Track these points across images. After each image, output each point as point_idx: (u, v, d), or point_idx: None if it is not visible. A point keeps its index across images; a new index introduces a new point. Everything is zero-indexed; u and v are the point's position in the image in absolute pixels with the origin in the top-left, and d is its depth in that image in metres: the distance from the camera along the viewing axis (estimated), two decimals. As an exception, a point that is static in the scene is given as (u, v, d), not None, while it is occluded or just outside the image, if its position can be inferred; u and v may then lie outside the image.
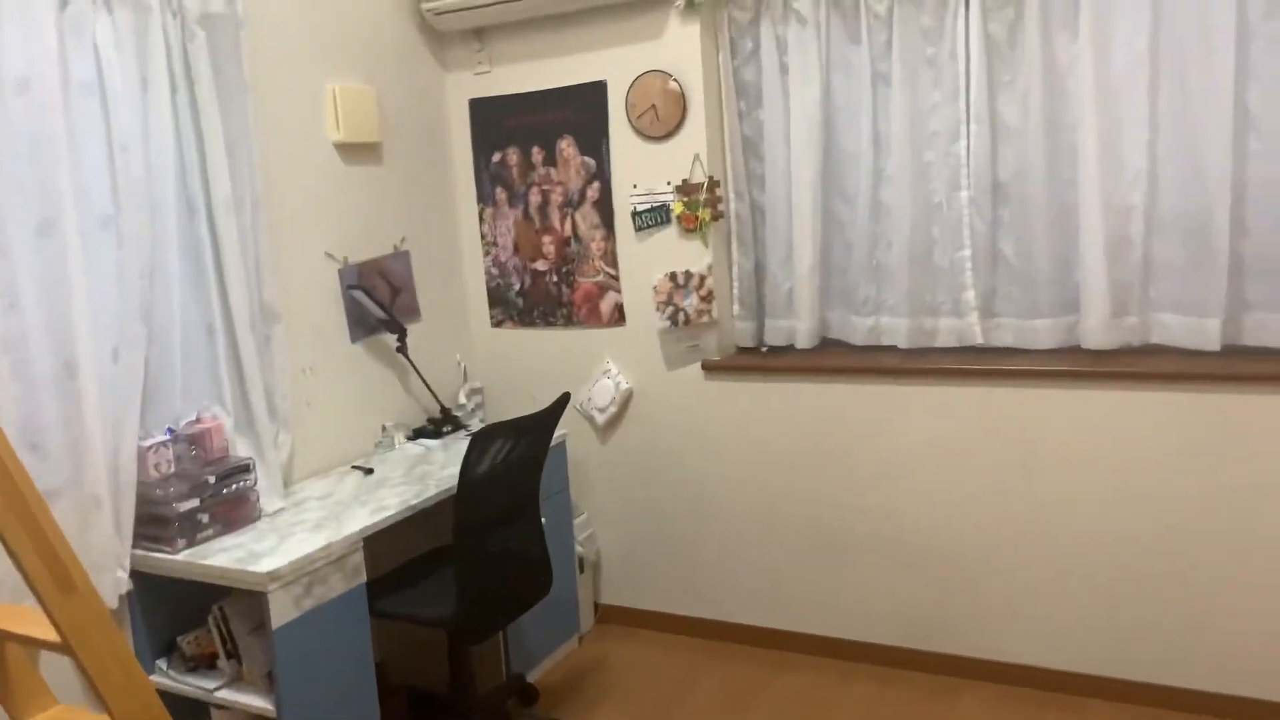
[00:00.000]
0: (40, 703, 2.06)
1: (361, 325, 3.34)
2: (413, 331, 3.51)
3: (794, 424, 3.30)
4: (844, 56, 3.18)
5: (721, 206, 3.35)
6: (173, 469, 2.56)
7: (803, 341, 3.31)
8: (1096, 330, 2.87)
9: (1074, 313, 2.96)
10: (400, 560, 3.06)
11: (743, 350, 3.49)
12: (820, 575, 3.35)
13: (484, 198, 3.75)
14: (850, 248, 3.27)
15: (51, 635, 1.81)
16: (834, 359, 3.24)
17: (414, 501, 2.76)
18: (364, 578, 2.58)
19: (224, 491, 2.60)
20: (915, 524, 3.16)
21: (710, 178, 3.29)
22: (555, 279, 3.65)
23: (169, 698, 2.46)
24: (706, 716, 3.07)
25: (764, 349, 3.44)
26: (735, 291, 3.45)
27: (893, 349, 3.22)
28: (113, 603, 2.45)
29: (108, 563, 2.43)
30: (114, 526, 2.44)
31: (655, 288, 3.38)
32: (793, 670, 3.31)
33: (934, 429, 3.09)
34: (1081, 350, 2.94)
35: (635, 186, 3.42)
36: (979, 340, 3.09)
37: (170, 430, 2.62)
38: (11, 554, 1.72)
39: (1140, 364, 2.80)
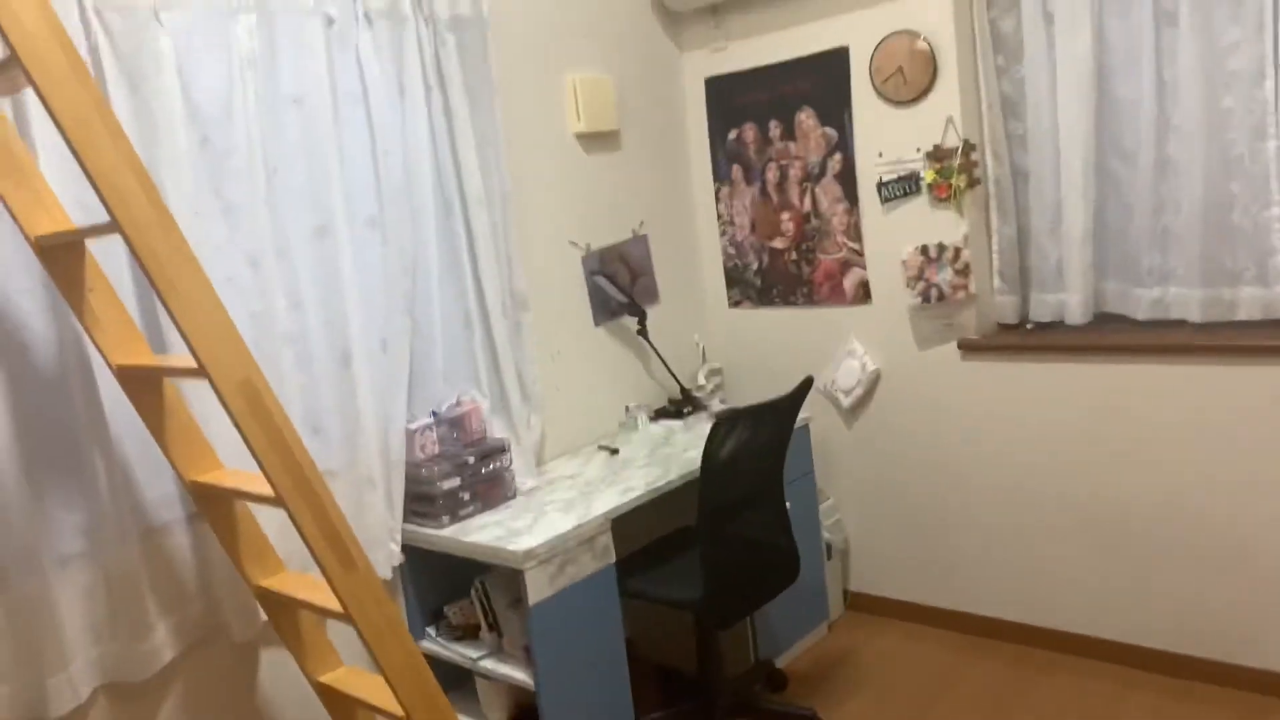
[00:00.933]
0: (329, 662, 2.26)
1: (604, 309, 3.40)
2: (652, 314, 3.54)
3: (1064, 409, 3.01)
4: (1120, -4, 2.84)
5: (978, 172, 3.10)
6: (437, 450, 2.72)
7: (1075, 317, 3.00)
8: None
9: None
10: (645, 540, 3.10)
11: (1005, 328, 3.22)
12: (1093, 572, 3.05)
13: (720, 176, 3.70)
14: (1130, 210, 2.92)
15: (335, 606, 1.97)
16: (1112, 336, 2.92)
17: (658, 483, 2.78)
18: (613, 558, 2.62)
19: (483, 471, 2.73)
20: (1207, 520, 2.80)
21: (965, 141, 3.05)
22: (794, 256, 3.54)
23: (437, 663, 2.63)
24: (967, 718, 2.89)
25: (1029, 326, 3.16)
26: (995, 264, 3.19)
27: (1183, 324, 2.85)
28: (386, 574, 2.65)
29: (381, 537, 2.62)
30: (386, 504, 2.63)
31: (905, 262, 3.19)
32: (1061, 673, 3.05)
33: (1234, 414, 2.71)
34: None
35: (880, 155, 3.24)
36: (1292, 312, 2.68)
37: (434, 413, 2.78)
38: (301, 533, 1.88)
39: None
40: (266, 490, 1.90)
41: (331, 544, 1.90)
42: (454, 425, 2.78)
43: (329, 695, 2.21)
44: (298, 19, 2.46)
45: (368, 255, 2.62)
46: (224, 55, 2.33)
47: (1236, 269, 2.76)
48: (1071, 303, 3.01)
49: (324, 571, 1.91)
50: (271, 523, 2.30)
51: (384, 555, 2.63)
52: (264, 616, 2.33)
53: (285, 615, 2.18)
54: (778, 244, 3.57)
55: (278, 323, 2.44)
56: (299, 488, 1.86)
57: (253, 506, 2.19)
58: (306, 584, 2.13)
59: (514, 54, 3.09)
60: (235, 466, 2.20)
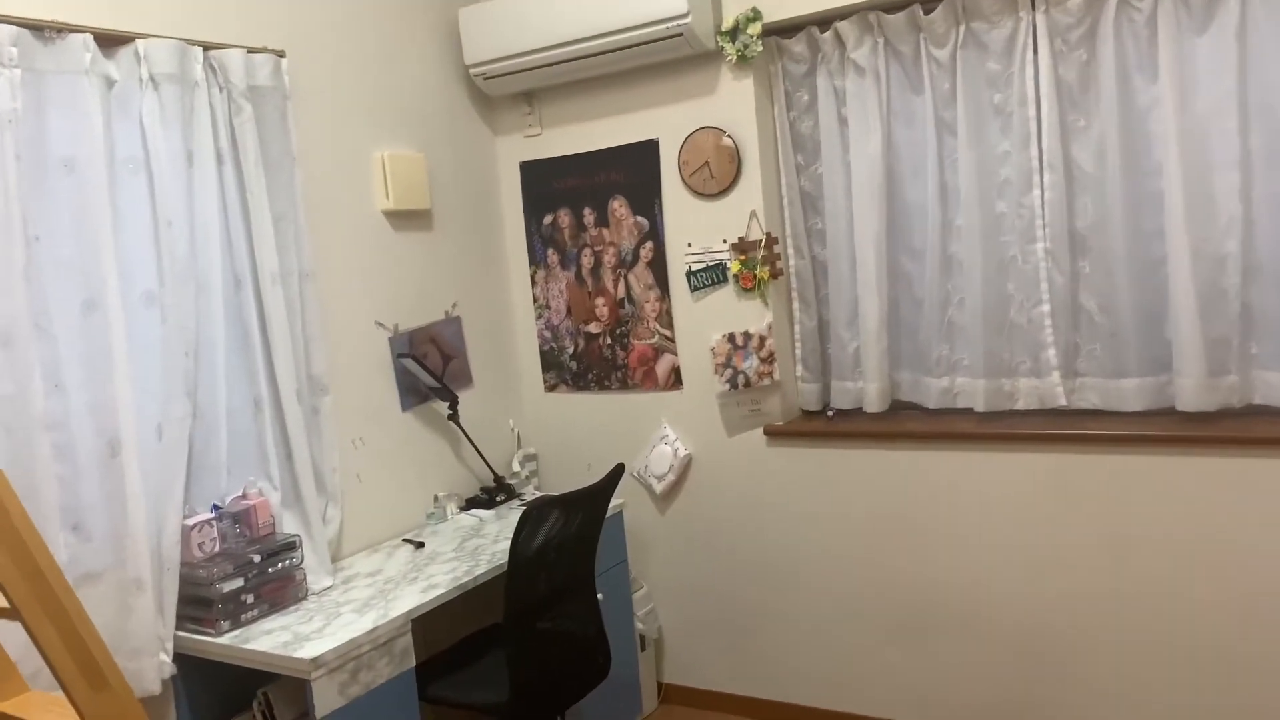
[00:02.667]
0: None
1: (413, 393, 3.27)
2: (465, 398, 3.43)
3: (864, 493, 3.11)
4: (906, 105, 3.06)
5: (780, 264, 3.22)
6: (217, 548, 2.49)
7: (872, 405, 3.14)
8: (1192, 391, 2.65)
9: (1166, 372, 2.75)
10: (452, 639, 2.93)
11: (807, 414, 3.32)
12: (897, 655, 3.13)
13: (536, 260, 3.68)
14: (920, 305, 3.11)
15: (81, 733, 1.72)
16: (906, 423, 3.06)
17: (464, 579, 2.65)
18: (413, 661, 2.46)
19: (270, 570, 2.51)
20: (997, 601, 2.94)
21: (768, 234, 3.17)
22: (609, 341, 3.54)
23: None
24: (777, 809, 2.86)
25: (830, 413, 3.28)
26: (798, 352, 3.30)
27: (969, 412, 3.03)
28: (155, 688, 2.37)
29: (150, 646, 2.35)
30: (157, 609, 2.37)
31: (713, 349, 3.25)
32: (869, 757, 3.09)
33: (1016, 498, 2.88)
34: (1175, 412, 2.72)
35: (690, 245, 3.31)
36: (1062, 402, 2.88)
37: (215, 507, 2.55)
38: (39, 648, 1.65)
39: (1243, 428, 2.57)
40: (1, 602, 1.66)
41: (78, 659, 1.68)
42: (238, 520, 2.56)
43: (70, 839, 1.92)
44: (71, 78, 2.27)
45: (143, 333, 2.40)
46: (-19, 113, 2.11)
47: (1014, 361, 2.97)
48: (869, 390, 3.14)
49: (67, 692, 1.67)
50: (10, 639, 2.01)
51: (153, 666, 2.35)
52: (-4, 748, 2.02)
53: (21, 746, 1.89)
54: (593, 328, 3.57)
55: (33, 406, 2.17)
56: (38, 597, 1.63)
57: (-13, 619, 1.90)
58: (50, 705, 1.86)
59: (318, 126, 2.98)
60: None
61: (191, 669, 2.46)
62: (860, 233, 3.10)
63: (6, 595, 1.62)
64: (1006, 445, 2.87)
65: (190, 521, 2.45)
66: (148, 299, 2.42)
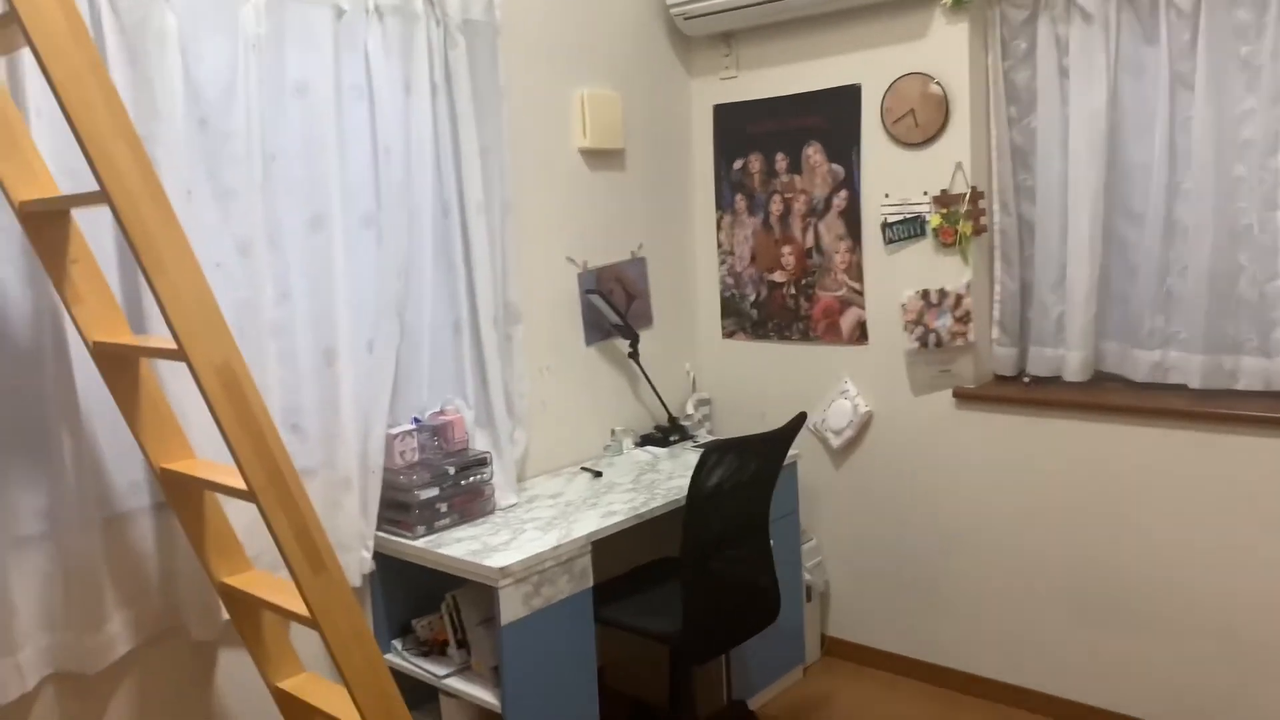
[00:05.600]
0: (289, 668, 2.16)
1: (597, 329, 3.34)
2: (645, 338, 3.48)
3: (1058, 466, 2.97)
4: (1136, 57, 2.84)
5: (985, 220, 3.08)
6: (417, 457, 2.64)
7: (1073, 374, 2.97)
8: None
9: None
10: (623, 567, 3.02)
11: (1001, 379, 3.19)
12: (1076, 634, 2.99)
13: (723, 205, 3.66)
14: (1135, 272, 2.91)
15: (302, 609, 1.88)
16: (1110, 396, 2.88)
17: (642, 510, 2.71)
18: (590, 582, 2.54)
19: (463, 483, 2.65)
20: (1198, 593, 2.76)
21: (974, 188, 3.04)
22: (793, 291, 3.50)
23: (401, 678, 2.52)
24: (936, 774, 2.81)
25: (1027, 379, 3.13)
26: (996, 314, 3.16)
27: (1182, 389, 2.83)
28: (356, 581, 2.55)
29: (353, 543, 2.53)
30: (361, 508, 2.54)
31: (904, 305, 3.16)
32: (1037, 735, 2.99)
33: (1231, 486, 2.67)
34: None
35: (887, 196, 3.21)
36: (1292, 384, 2.65)
37: (416, 420, 2.70)
38: (272, 531, 1.80)
39: None
40: (239, 483, 1.82)
41: (302, 544, 1.82)
42: (436, 434, 2.70)
43: (287, 702, 2.10)
44: (307, 7, 2.41)
45: (361, 253, 2.55)
46: (229, 38, 2.27)
47: (1239, 338, 2.74)
48: (1071, 359, 2.98)
49: (292, 572, 1.82)
50: (241, 519, 2.21)
51: (355, 561, 2.54)
52: (225, 615, 2.23)
53: (248, 615, 2.08)
54: (777, 277, 3.53)
55: (264, 313, 2.36)
56: (273, 483, 1.78)
57: (223, 500, 2.10)
58: (273, 584, 2.04)
59: (523, 62, 3.05)
60: (208, 457, 2.11)
61: (388, 568, 2.64)
62: (1075, 192, 2.92)
63: (246, 480, 1.78)
64: (1224, 426, 2.67)
65: (394, 431, 2.61)
66: (366, 221, 2.56)
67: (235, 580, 2.05)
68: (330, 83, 2.45)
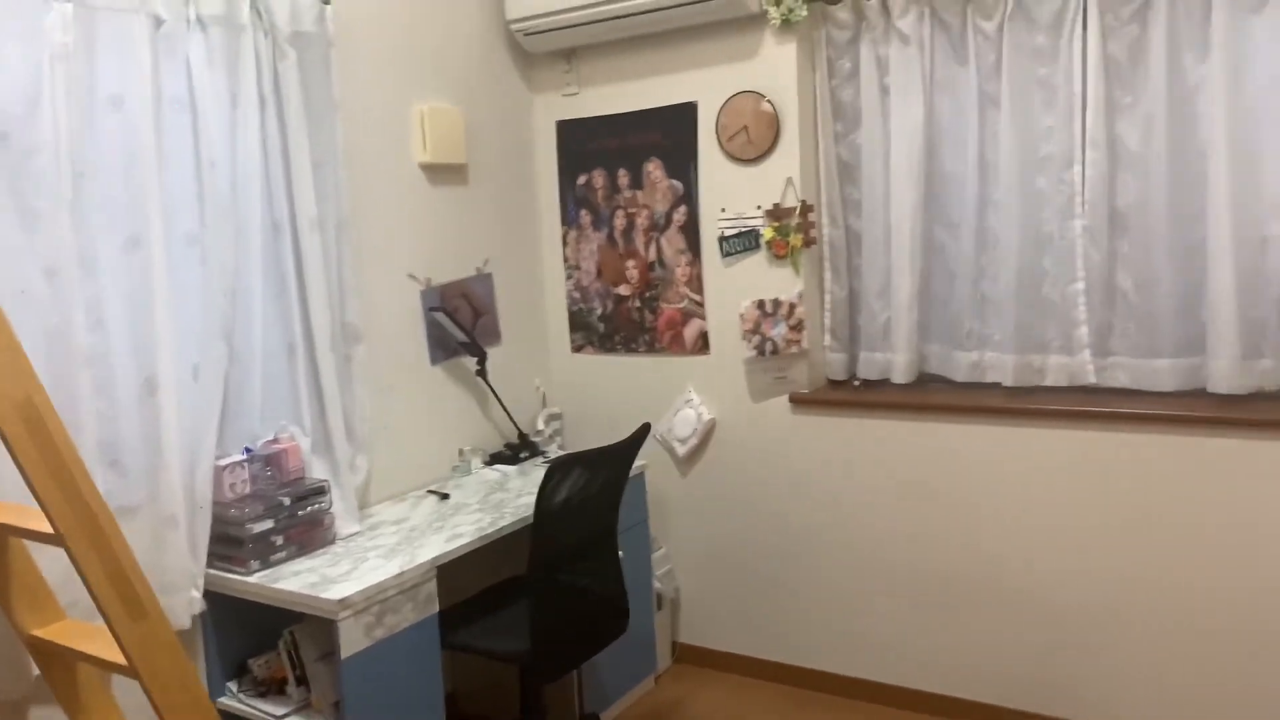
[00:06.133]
0: (110, 721, 2.03)
1: (442, 347, 3.29)
2: (493, 355, 3.45)
3: (889, 463, 3.12)
4: (949, 77, 3.03)
5: (814, 232, 3.21)
6: (248, 489, 2.53)
7: (899, 376, 3.14)
8: (1225, 373, 2.64)
9: (1199, 353, 2.73)
10: (474, 589, 2.98)
11: (834, 383, 3.33)
12: (917, 625, 3.15)
13: (568, 220, 3.68)
14: (953, 278, 3.09)
15: (120, 659, 1.77)
16: (933, 396, 3.06)
17: (489, 530, 2.68)
18: (436, 608, 2.50)
19: (299, 513, 2.55)
20: (1020, 575, 2.95)
21: (804, 202, 3.16)
22: (638, 304, 3.55)
23: (237, 723, 2.42)
24: (787, 770, 2.90)
25: (857, 383, 3.28)
26: (827, 322, 3.30)
27: (997, 387, 3.03)
28: (185, 623, 2.42)
29: (181, 582, 2.40)
30: (189, 546, 2.41)
31: (742, 315, 3.25)
32: (880, 724, 3.12)
33: (1042, 474, 2.88)
34: (1207, 394, 2.71)
35: (724, 211, 3.30)
36: (1092, 380, 2.88)
37: (248, 450, 2.59)
38: (83, 576, 1.69)
39: (1275, 411, 2.56)
40: (45, 527, 1.70)
41: (118, 589, 1.72)
42: (269, 463, 2.59)
43: (106, 759, 1.98)
44: (120, 16, 2.28)
45: (184, 274, 2.43)
46: (32, 46, 2.12)
47: (1045, 338, 2.96)
48: (897, 362, 3.14)
49: (108, 620, 1.72)
50: (55, 565, 2.05)
51: (183, 602, 2.40)
52: (36, 671, 2.07)
53: (61, 669, 1.95)
54: (622, 290, 3.58)
55: (75, 342, 2.21)
56: (83, 525, 1.68)
57: (30, 545, 1.95)
58: (88, 633, 1.92)
59: (359, 76, 2.98)
60: (11, 500, 1.96)
61: (221, 606, 2.51)
62: (897, 204, 3.08)
63: (53, 523, 1.66)
64: (1034, 421, 2.87)
65: (223, 462, 2.49)
66: (189, 239, 2.45)
67: (46, 632, 1.92)
68: (148, 95, 2.32)
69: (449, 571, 2.65)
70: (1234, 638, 2.66)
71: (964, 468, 3.00)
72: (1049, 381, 2.96)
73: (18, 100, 2.11)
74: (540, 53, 3.57)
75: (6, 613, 1.90)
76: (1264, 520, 2.58)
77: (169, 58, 2.39)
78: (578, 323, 3.71)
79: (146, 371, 2.35)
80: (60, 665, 1.94)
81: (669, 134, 3.39)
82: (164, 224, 2.37)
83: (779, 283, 3.21)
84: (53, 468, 1.65)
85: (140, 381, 2.34)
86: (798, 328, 3.18)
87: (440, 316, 3.24)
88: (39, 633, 1.90)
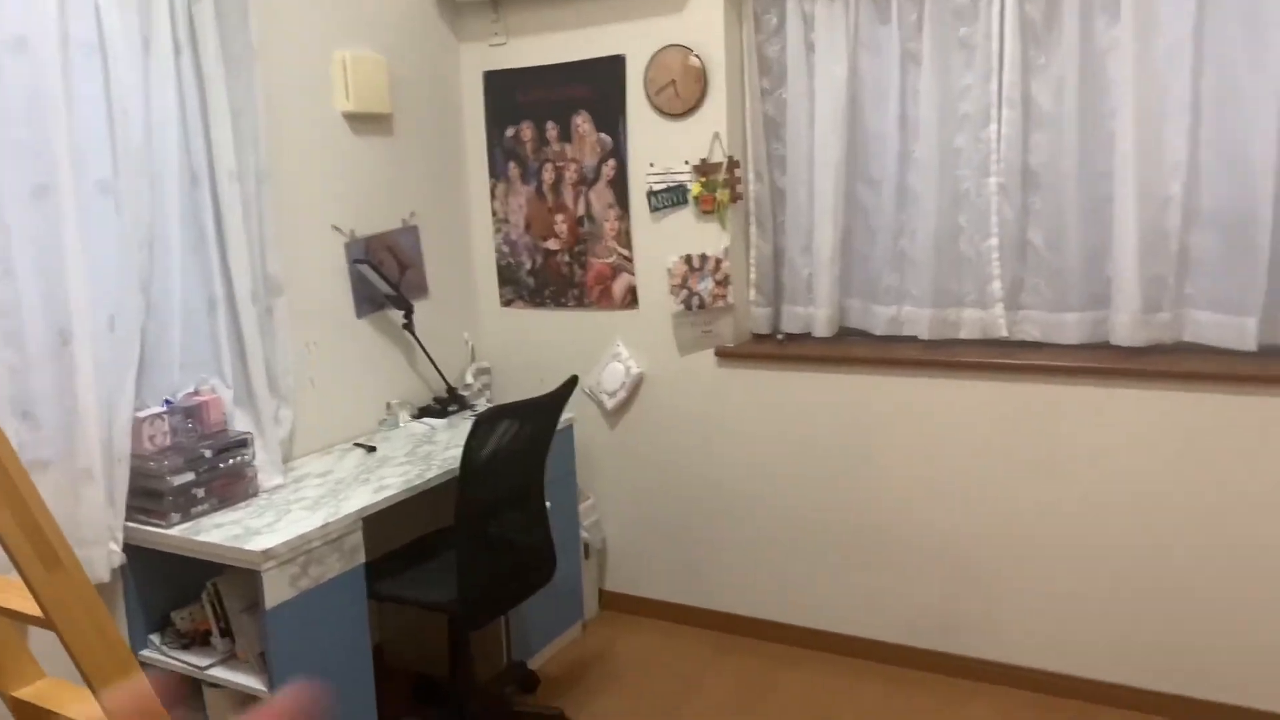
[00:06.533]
0: (27, 675, 2.01)
1: (368, 301, 3.26)
2: (420, 308, 3.43)
3: (809, 415, 3.20)
4: (873, 35, 3.06)
5: (741, 188, 3.25)
6: (168, 441, 2.50)
7: (821, 330, 3.21)
8: (1127, 326, 2.76)
9: (1104, 307, 2.85)
10: (401, 541, 2.99)
11: (758, 337, 3.39)
12: (833, 570, 3.26)
13: (496, 173, 3.66)
14: (874, 234, 3.16)
15: (35, 610, 1.75)
16: (853, 349, 3.14)
17: (416, 482, 2.69)
18: (363, 559, 2.51)
19: (221, 466, 2.53)
20: (932, 521, 3.07)
21: (730, 158, 3.19)
22: (567, 259, 3.55)
23: (161, 673, 2.41)
24: (715, 713, 2.99)
25: (780, 337, 3.35)
26: (752, 276, 3.35)
27: (914, 340, 3.12)
28: (104, 576, 2.40)
29: (100, 536, 2.37)
30: (106, 499, 2.38)
31: (670, 270, 3.29)
32: (803, 667, 3.23)
33: (954, 424, 2.99)
34: (1110, 347, 2.83)
35: (652, 165, 3.32)
36: (1004, 333, 2.98)
37: (167, 402, 2.56)
38: (-8, 528, 1.66)
39: (1172, 363, 2.69)
40: (-49, 480, 1.66)
41: (31, 539, 1.69)
42: (190, 416, 2.56)
43: (26, 712, 1.96)
44: (22, -47, 2.19)
45: (97, 223, 2.37)
46: (-75, -16, 2.04)
47: (960, 292, 3.05)
48: (819, 316, 3.21)
49: (21, 571, 1.70)
50: (-40, 518, 2.02)
51: (102, 555, 2.38)
52: (-55, 625, 2.04)
53: (-28, 622, 1.92)
54: (552, 245, 3.58)
55: (-20, 292, 2.15)
56: (-8, 476, 1.64)
57: (-65, 499, 1.91)
58: (6, 587, 1.88)
59: (278, 22, 2.91)
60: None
61: (141, 560, 2.49)
62: (820, 160, 3.13)
63: (-41, 473, 1.63)
64: (949, 372, 2.97)
65: (141, 414, 2.45)
66: (102, 188, 2.38)
67: (-43, 585, 1.88)
68: (54, 38, 2.24)
69: (376, 524, 2.67)
70: (1128, 581, 2.81)
71: (882, 418, 3.09)
72: (963, 335, 3.06)
73: (-87, 40, 2.02)
74: (467, 1, 3.51)
75: (-86, 567, 1.86)
76: (1159, 464, 2.72)
77: (75, -1, 2.31)
78: (507, 277, 3.70)
79: (60, 323, 2.30)
80: (-27, 619, 1.91)
81: (597, 87, 3.38)
82: (74, 172, 2.30)
83: (706, 238, 3.25)
84: (-42, 419, 1.62)
85: (53, 333, 2.29)
86: (724, 282, 3.22)
87: (365, 269, 3.21)
88: (-50, 587, 1.87)
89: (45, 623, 1.75)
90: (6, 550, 1.68)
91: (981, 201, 2.97)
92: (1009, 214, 2.92)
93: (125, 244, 2.41)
